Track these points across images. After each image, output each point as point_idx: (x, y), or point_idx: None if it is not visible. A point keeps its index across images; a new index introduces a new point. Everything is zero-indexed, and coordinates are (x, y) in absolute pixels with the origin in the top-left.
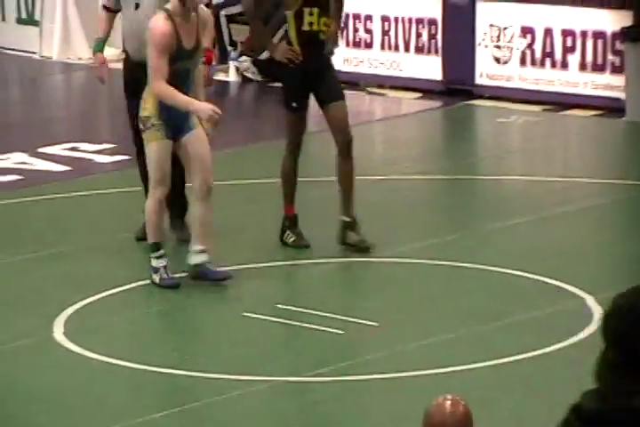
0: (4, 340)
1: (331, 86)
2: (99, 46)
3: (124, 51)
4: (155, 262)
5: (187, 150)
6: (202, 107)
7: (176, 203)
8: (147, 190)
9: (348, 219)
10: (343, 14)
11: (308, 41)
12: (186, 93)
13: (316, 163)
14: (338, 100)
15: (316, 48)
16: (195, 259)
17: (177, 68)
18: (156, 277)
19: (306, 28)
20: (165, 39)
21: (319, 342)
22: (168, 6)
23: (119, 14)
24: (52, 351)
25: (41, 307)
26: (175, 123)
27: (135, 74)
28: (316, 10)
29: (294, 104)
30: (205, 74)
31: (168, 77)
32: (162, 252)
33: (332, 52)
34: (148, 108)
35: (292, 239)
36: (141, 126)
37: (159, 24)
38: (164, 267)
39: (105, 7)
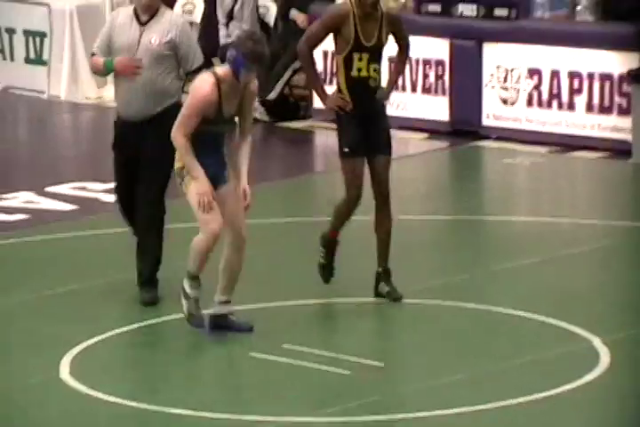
0: (11, 379)
1: (379, 137)
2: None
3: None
4: (188, 288)
5: (220, 205)
6: (197, 185)
7: (148, 257)
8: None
9: (380, 269)
10: (405, 66)
11: (356, 87)
12: (216, 155)
13: (322, 203)
14: (382, 154)
15: (366, 94)
16: (219, 310)
17: (211, 130)
18: (185, 306)
19: (354, 73)
20: (206, 105)
21: (326, 382)
22: (218, 70)
23: None
24: (59, 391)
25: (47, 346)
26: (208, 170)
27: (124, 131)
28: (365, 55)
29: (346, 149)
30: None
31: (202, 136)
32: (198, 283)
33: (384, 99)
34: (181, 163)
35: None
36: (179, 179)
37: (205, 88)
38: (196, 300)
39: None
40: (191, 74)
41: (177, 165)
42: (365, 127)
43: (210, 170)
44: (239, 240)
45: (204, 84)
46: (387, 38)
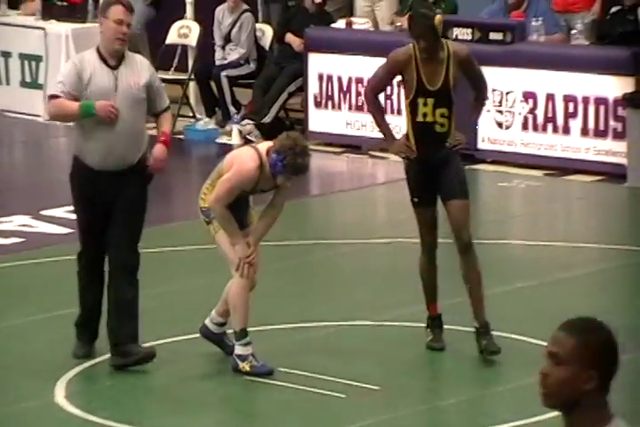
0: (6, 403)
1: (450, 183)
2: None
3: (79, 158)
4: (241, 350)
5: None
6: (238, 251)
7: (89, 326)
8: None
9: (477, 325)
10: (483, 108)
11: (422, 133)
12: (244, 203)
13: (318, 226)
14: (457, 199)
15: (433, 141)
16: (216, 329)
17: (242, 195)
18: (246, 365)
19: (420, 119)
20: (246, 182)
21: (321, 405)
22: (262, 151)
23: None
24: (54, 415)
25: (43, 370)
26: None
27: (99, 184)
28: (430, 100)
29: (415, 199)
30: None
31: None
32: (248, 339)
33: (456, 145)
34: (207, 199)
35: (428, 338)
36: (205, 218)
37: (250, 168)
38: (252, 354)
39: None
40: (157, 115)
41: (202, 204)
42: (434, 175)
43: (234, 212)
44: (251, 284)
45: (249, 163)
46: (455, 80)
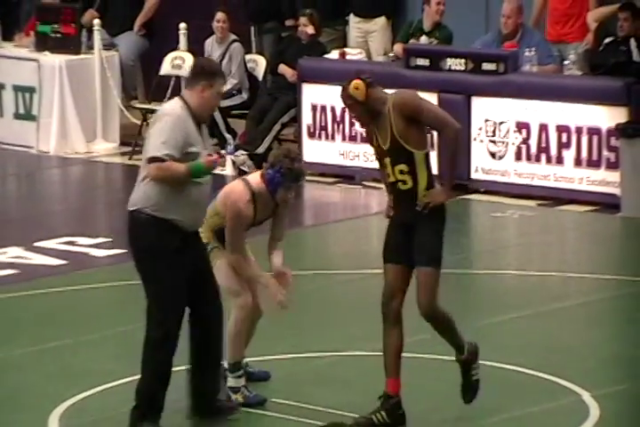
0: None
1: (416, 248)
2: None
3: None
4: (234, 382)
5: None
6: (271, 283)
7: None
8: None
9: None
10: (454, 146)
11: (392, 193)
12: None
13: (312, 256)
14: (421, 266)
15: (403, 199)
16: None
17: None
18: (239, 397)
19: (390, 179)
20: (246, 222)
21: None
22: (253, 183)
23: None
24: None
25: (36, 402)
26: None
27: (189, 245)
28: (387, 159)
29: (384, 256)
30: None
31: None
32: (241, 371)
33: (424, 207)
34: (205, 235)
35: None
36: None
37: (243, 207)
38: (245, 386)
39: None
40: None
41: (204, 239)
42: (405, 235)
43: None
44: (258, 313)
45: (241, 200)
46: (405, 132)
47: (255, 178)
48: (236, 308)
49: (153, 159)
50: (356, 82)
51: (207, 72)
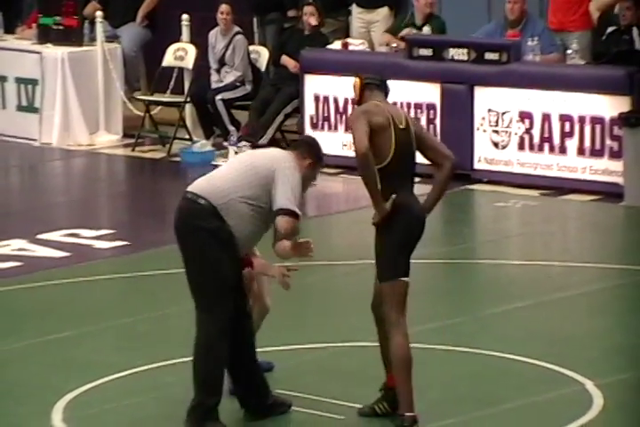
0: None
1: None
2: None
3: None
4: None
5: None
6: (276, 271)
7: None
8: None
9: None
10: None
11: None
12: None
13: (315, 247)
14: (377, 279)
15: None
16: None
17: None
18: None
19: None
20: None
21: None
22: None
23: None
24: None
25: (39, 394)
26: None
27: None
28: None
29: None
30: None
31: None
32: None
33: (375, 222)
34: None
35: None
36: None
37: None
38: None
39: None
40: None
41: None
42: None
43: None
44: (265, 308)
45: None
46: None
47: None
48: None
49: (290, 213)
50: (355, 79)
51: (310, 148)
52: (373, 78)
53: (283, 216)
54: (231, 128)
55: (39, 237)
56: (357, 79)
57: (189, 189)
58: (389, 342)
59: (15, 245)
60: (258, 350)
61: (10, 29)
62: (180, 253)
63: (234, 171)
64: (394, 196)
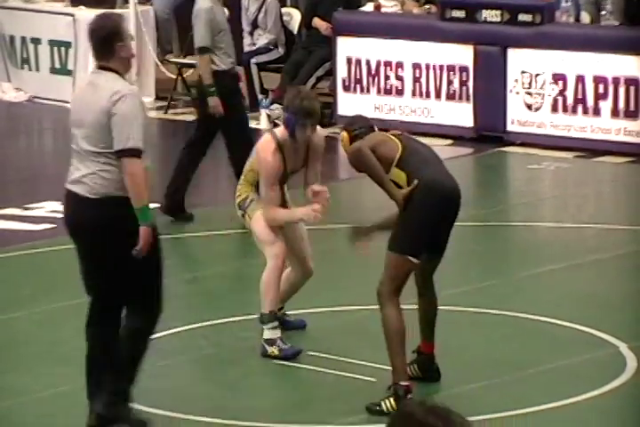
0: (38, 389)
1: None
2: None
3: None
4: (269, 334)
5: (288, 240)
6: (303, 212)
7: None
8: None
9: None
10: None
11: None
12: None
13: (348, 210)
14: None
15: None
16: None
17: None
18: (274, 350)
19: None
20: (275, 172)
21: (351, 389)
22: (277, 131)
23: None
24: (86, 400)
25: (73, 356)
26: None
27: None
28: None
29: None
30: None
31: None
32: (277, 323)
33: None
34: (242, 195)
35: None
36: (240, 212)
37: (269, 157)
38: (281, 338)
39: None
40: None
41: (237, 201)
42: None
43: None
44: (308, 272)
45: (267, 152)
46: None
47: (280, 128)
48: (271, 257)
49: None
50: (342, 134)
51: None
52: (361, 128)
53: None
54: (260, 96)
55: None
56: (345, 133)
57: None
58: (381, 314)
59: (49, 207)
60: (290, 312)
61: None
62: None
63: None
64: (415, 181)
